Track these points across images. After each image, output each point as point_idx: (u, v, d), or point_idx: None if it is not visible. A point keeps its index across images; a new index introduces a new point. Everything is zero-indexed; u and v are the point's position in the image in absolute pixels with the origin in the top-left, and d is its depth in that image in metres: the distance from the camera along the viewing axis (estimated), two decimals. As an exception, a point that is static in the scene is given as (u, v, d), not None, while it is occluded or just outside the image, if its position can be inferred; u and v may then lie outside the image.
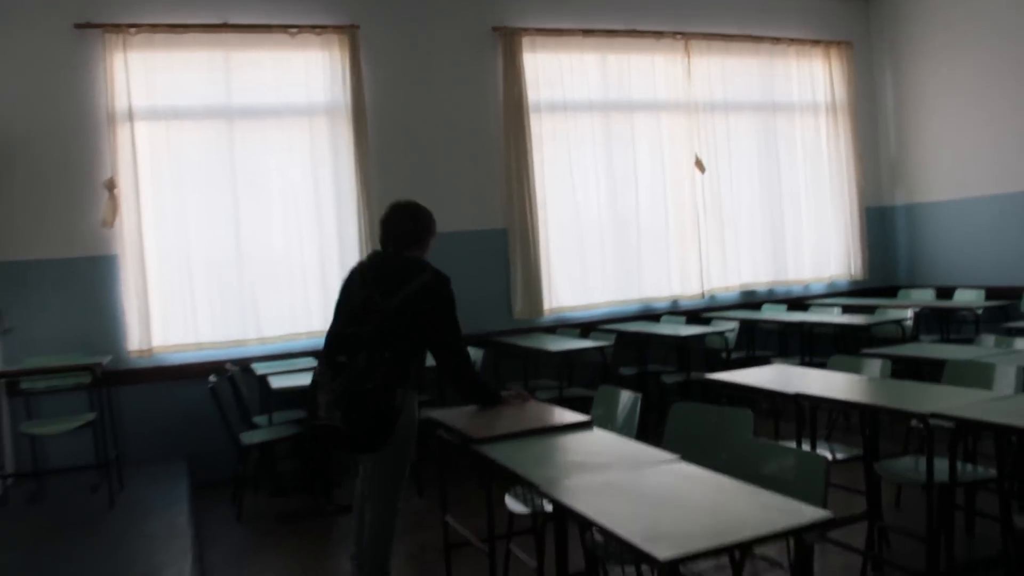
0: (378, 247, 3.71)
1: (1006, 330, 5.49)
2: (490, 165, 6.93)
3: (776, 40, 7.95)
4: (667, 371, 6.86)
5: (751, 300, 7.87)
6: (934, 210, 8.06)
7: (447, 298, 3.49)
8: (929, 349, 4.77)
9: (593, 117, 7.24)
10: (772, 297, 7.92)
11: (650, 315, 7.38)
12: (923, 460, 3.43)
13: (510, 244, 6.93)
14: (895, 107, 8.38)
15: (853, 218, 8.21)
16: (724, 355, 6.67)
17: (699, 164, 7.56)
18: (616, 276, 7.29)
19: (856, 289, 8.27)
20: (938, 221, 8.04)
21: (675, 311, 7.49)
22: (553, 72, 7.09)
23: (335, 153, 6.45)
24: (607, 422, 3.64)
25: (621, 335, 6.66)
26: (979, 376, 3.85)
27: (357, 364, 3.31)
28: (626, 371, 6.85)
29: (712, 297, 7.65)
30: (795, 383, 3.91)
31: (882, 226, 8.50)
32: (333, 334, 3.50)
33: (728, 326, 6.65)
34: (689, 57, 7.54)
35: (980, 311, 6.58)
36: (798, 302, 7.84)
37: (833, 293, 8.19)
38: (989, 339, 4.78)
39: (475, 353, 6.12)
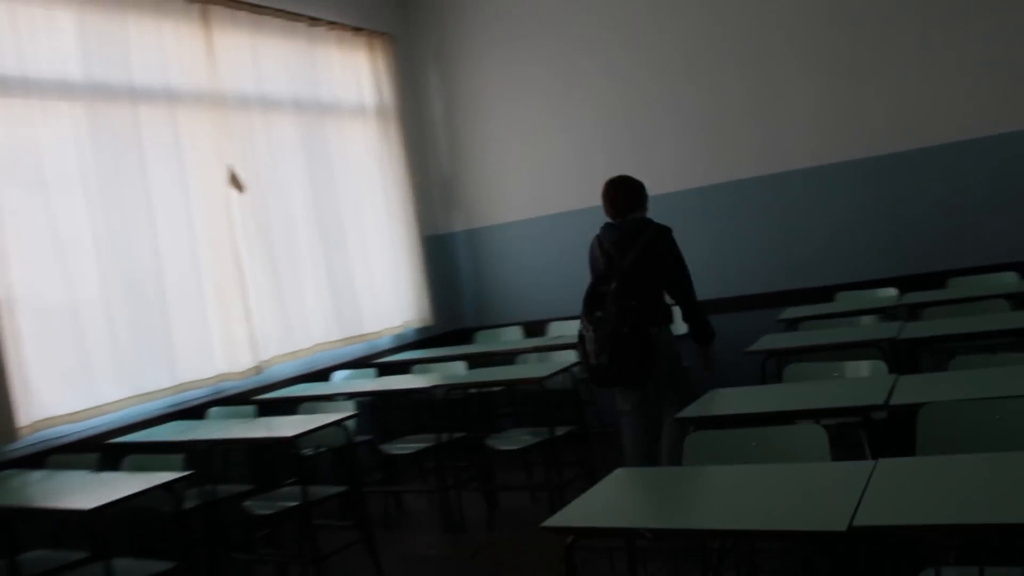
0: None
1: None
2: None
3: (314, 21, 5.99)
4: (248, 493, 4.42)
5: (313, 367, 5.76)
6: (494, 235, 6.84)
7: (672, 245, 4.19)
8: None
9: (75, 108, 4.53)
10: (339, 361, 5.90)
11: (189, 409, 4.87)
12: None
13: (-54, 320, 3.89)
14: (445, 114, 6.99)
15: (414, 250, 6.59)
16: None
17: (235, 180, 5.28)
18: (134, 356, 4.63)
19: (428, 338, 6.64)
20: (499, 248, 6.82)
21: (219, 399, 5.05)
22: (2, 29, 4.25)
23: None
24: None
25: (181, 449, 3.93)
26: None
27: (611, 315, 4.01)
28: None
29: (267, 372, 5.38)
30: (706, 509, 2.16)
31: (443, 258, 7.02)
32: (588, 295, 4.17)
33: (346, 411, 4.38)
34: (211, 31, 5.22)
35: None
36: (366, 362, 5.96)
37: (403, 346, 6.45)
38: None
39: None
